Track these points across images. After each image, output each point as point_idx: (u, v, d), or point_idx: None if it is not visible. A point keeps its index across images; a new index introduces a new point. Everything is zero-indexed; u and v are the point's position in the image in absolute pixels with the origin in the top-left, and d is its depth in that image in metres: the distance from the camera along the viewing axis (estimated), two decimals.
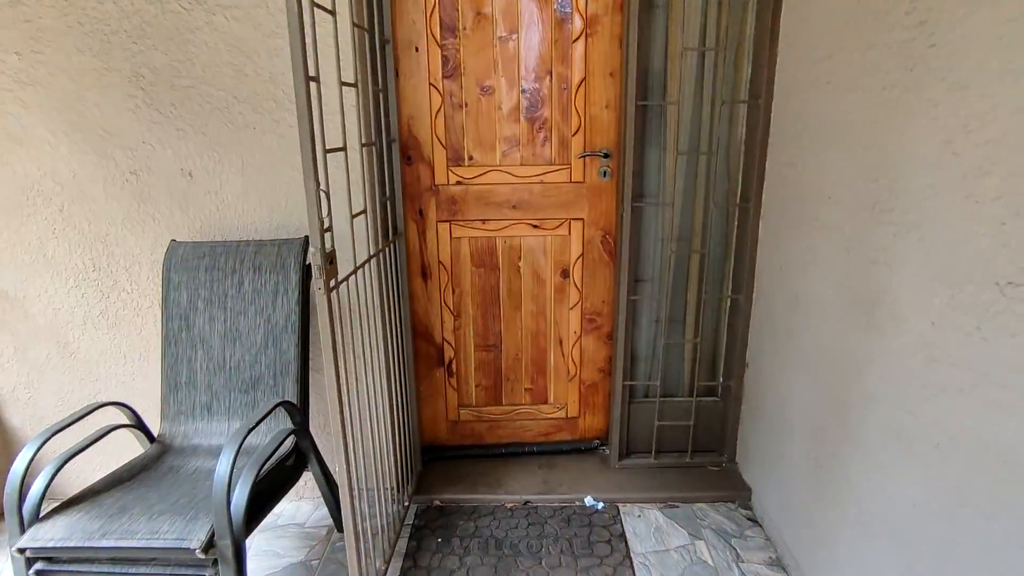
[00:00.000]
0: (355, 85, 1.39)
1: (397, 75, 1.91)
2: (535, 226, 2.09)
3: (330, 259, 1.21)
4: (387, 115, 1.85)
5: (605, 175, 2.05)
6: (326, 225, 1.20)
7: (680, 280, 2.10)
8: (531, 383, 2.27)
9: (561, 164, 2.05)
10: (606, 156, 2.01)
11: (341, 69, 1.37)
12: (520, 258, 2.13)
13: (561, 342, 2.23)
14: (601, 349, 2.24)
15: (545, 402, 2.30)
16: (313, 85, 1.14)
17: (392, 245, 1.87)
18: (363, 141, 1.53)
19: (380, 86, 1.71)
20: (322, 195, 1.13)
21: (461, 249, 2.10)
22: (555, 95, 1.98)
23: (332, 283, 1.24)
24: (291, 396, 1.63)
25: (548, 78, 1.97)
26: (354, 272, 1.42)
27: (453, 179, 2.02)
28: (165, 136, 1.75)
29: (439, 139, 1.98)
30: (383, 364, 1.81)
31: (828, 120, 1.45)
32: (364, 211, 1.49)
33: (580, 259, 2.14)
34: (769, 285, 1.83)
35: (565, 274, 2.16)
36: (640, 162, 1.96)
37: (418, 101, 1.94)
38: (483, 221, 2.07)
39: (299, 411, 1.60)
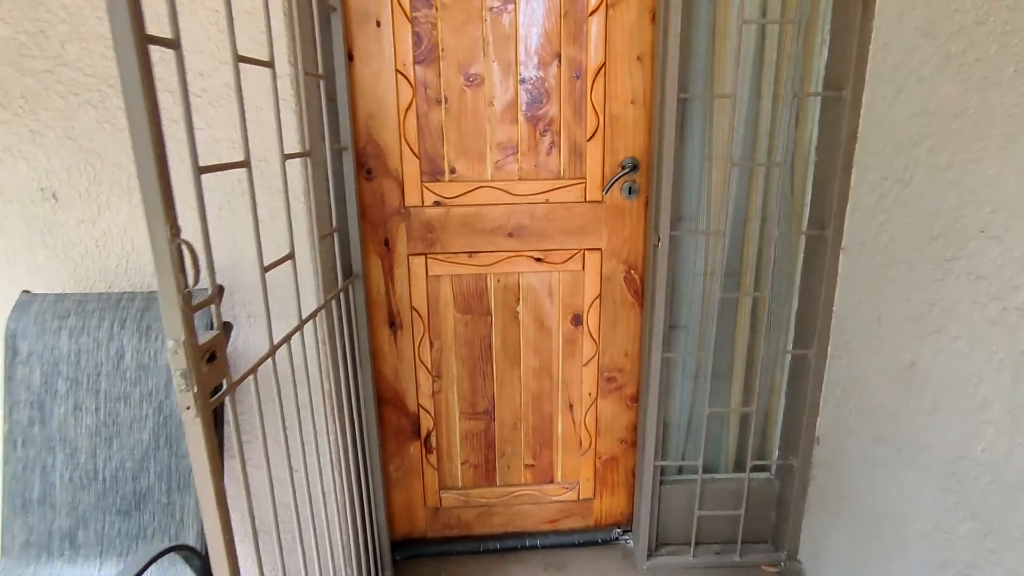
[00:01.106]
0: (269, 65, 0.88)
1: (351, 58, 1.41)
2: (538, 259, 1.60)
3: (209, 355, 0.70)
4: (334, 113, 1.35)
5: (631, 192, 1.57)
6: (198, 295, 0.69)
7: (727, 328, 1.62)
8: (533, 458, 1.77)
9: (572, 178, 1.56)
10: (632, 169, 1.53)
11: (257, 46, 0.86)
12: (519, 301, 1.63)
13: (572, 406, 1.73)
14: (622, 414, 1.75)
15: (551, 481, 1.80)
16: (160, 54, 0.63)
17: (343, 293, 1.36)
18: (287, 151, 1.02)
19: (322, 71, 1.21)
20: (183, 249, 0.62)
21: (441, 290, 1.60)
22: (565, 86, 1.49)
23: (216, 390, 0.73)
24: (190, 527, 1.11)
25: (555, 63, 1.48)
26: (267, 357, 0.91)
27: (429, 199, 1.52)
28: (14, 141, 1.22)
29: (410, 146, 1.48)
30: (335, 445, 1.30)
31: (979, 118, 0.98)
32: (291, 254, 0.98)
33: (597, 301, 1.65)
34: (857, 342, 1.35)
35: (577, 320, 1.67)
36: (679, 176, 1.47)
37: (380, 94, 1.44)
38: (470, 254, 1.57)
39: (201, 558, 1.08)
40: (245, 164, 0.79)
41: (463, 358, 1.66)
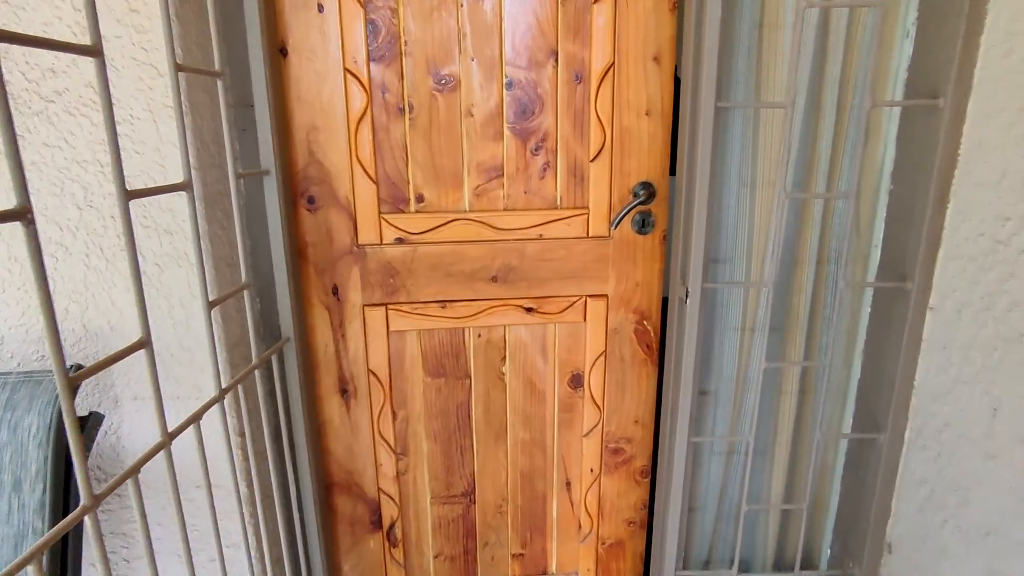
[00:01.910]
0: (93, 52, 0.55)
1: (284, 53, 1.08)
2: (529, 309, 1.27)
3: None
4: (254, 125, 1.02)
5: (644, 226, 1.23)
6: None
7: (770, 398, 1.28)
8: (522, 547, 1.43)
9: (572, 208, 1.23)
10: (648, 197, 1.19)
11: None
12: (505, 360, 1.30)
13: (569, 484, 1.40)
14: (630, 491, 1.41)
15: (544, 573, 1.46)
16: None
17: (269, 363, 1.03)
18: (167, 179, 0.69)
19: (220, 68, 0.88)
20: None
21: (407, 349, 1.27)
22: (562, 92, 1.17)
23: None
24: None
25: (551, 63, 1.15)
26: (150, 457, 0.58)
27: (391, 235, 1.19)
28: None
29: (364, 167, 1.15)
30: (261, 553, 0.97)
31: None
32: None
33: (601, 358, 1.31)
34: (956, 433, 1.01)
35: (577, 382, 1.33)
36: (714, 209, 1.14)
37: (325, 101, 1.11)
38: (443, 304, 1.24)
39: None
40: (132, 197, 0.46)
41: (435, 431, 1.32)
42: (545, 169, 1.20)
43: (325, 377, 1.24)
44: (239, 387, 0.91)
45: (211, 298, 0.77)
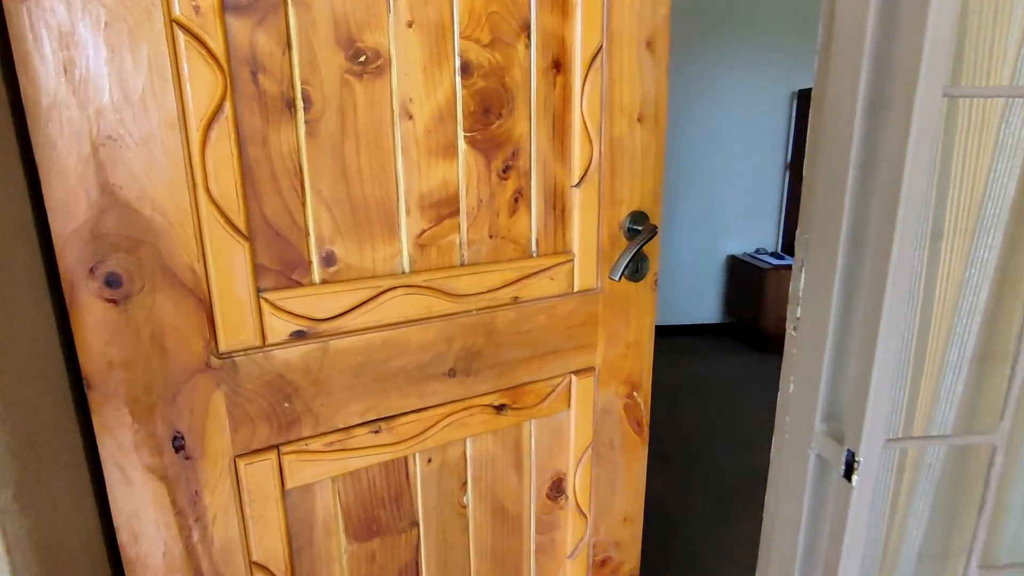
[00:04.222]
0: None
1: None
2: (500, 407, 0.85)
3: None
4: None
5: (638, 270, 0.91)
6: None
7: None
8: None
9: (553, 254, 0.85)
10: (650, 234, 0.87)
11: None
12: (466, 486, 0.86)
13: None
14: None
15: None
16: None
17: None
18: None
19: None
20: None
21: (317, 510, 0.75)
22: (539, 86, 0.78)
23: None
24: None
25: (522, 41, 0.75)
26: None
27: (282, 327, 0.67)
28: None
29: (222, 209, 0.61)
30: None
31: None
32: None
33: (588, 452, 0.96)
34: None
35: (558, 489, 0.96)
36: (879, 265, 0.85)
37: (130, 84, 0.55)
38: (375, 427, 0.75)
39: None
40: None
41: None
42: (517, 199, 0.80)
43: None
44: None
45: None
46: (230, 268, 0.62)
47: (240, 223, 0.62)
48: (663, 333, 3.88)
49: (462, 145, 0.74)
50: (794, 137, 3.69)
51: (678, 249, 3.86)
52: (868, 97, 0.67)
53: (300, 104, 0.63)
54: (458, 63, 0.71)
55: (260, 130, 0.62)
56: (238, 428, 0.66)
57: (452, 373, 0.79)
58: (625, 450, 1.00)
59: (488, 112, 0.75)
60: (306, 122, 0.64)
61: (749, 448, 2.46)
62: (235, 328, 0.64)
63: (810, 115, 0.77)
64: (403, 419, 0.77)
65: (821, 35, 0.74)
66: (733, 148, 3.71)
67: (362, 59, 0.65)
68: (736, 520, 1.99)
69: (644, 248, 0.90)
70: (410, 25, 0.67)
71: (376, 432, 0.75)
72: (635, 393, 0.99)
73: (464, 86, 0.72)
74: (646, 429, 1.02)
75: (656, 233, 0.87)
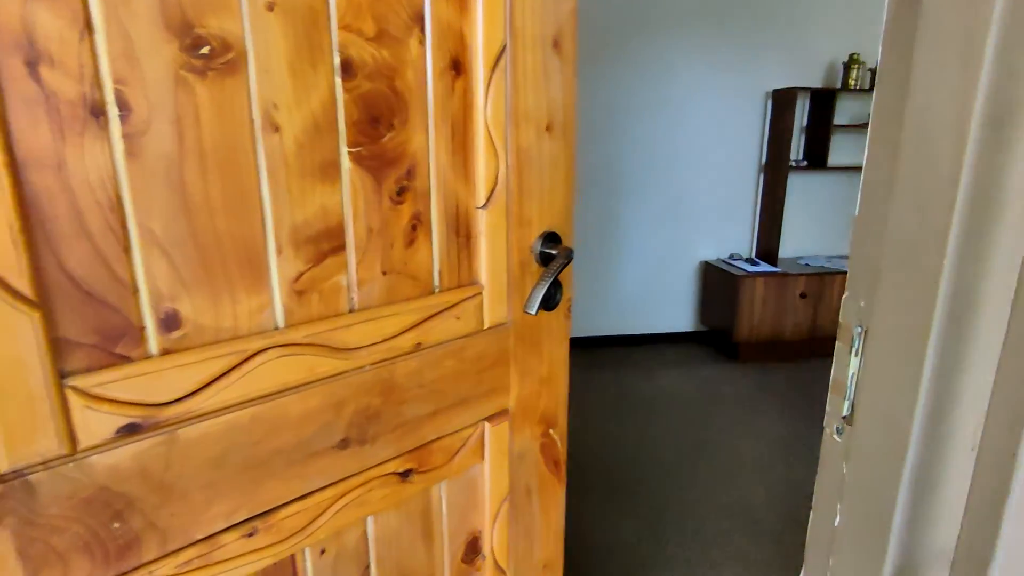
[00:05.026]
0: None
1: None
2: (406, 473, 0.71)
3: None
4: None
5: (552, 298, 0.82)
6: None
7: None
8: None
9: (458, 287, 0.73)
10: (566, 258, 0.78)
11: None
12: (369, 572, 0.71)
13: None
14: None
15: None
16: None
17: None
18: None
19: None
20: None
21: None
22: (437, 91, 0.65)
23: None
24: None
25: (415, 35, 0.62)
26: None
27: (102, 425, 0.47)
28: None
29: None
30: None
31: None
32: None
33: (505, 504, 0.85)
34: None
35: (474, 549, 0.84)
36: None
37: None
38: (249, 531, 0.58)
39: None
40: None
41: None
42: (415, 227, 0.67)
43: None
44: None
45: None
46: (11, 350, 0.42)
47: (22, 284, 0.42)
48: (635, 343, 3.70)
49: (346, 163, 0.59)
50: (769, 138, 3.52)
51: (650, 254, 3.61)
52: (988, 106, 0.46)
53: (113, 111, 0.45)
54: (337, 60, 0.56)
55: (51, 149, 0.43)
56: (39, 573, 0.46)
57: (344, 444, 0.64)
58: (543, 494, 0.91)
59: (377, 122, 0.61)
60: (124, 136, 0.46)
61: (724, 476, 2.25)
62: (24, 435, 0.44)
63: (870, 131, 0.57)
64: (285, 511, 0.60)
65: (890, 5, 0.53)
66: (706, 149, 3.49)
67: (205, 51, 0.48)
68: (719, 566, 1.79)
69: (558, 273, 0.80)
70: (271, 8, 0.51)
71: (250, 535, 0.58)
72: (551, 431, 0.90)
73: (346, 89, 0.57)
74: (563, 468, 0.94)
75: (572, 257, 0.78)
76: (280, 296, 0.57)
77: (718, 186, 3.57)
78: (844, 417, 0.60)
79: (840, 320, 0.60)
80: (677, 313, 3.77)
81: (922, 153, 0.52)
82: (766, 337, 3.38)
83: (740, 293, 3.29)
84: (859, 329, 0.58)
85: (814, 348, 3.43)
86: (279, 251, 0.56)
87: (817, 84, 3.49)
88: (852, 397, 0.59)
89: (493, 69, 0.69)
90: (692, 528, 1.97)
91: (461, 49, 0.66)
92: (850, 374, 0.59)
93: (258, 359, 0.55)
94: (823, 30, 3.40)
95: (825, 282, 3.36)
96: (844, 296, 0.62)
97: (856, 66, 3.32)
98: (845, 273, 3.62)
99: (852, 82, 3.33)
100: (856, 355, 0.59)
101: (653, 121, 3.40)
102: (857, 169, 3.50)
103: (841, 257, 3.72)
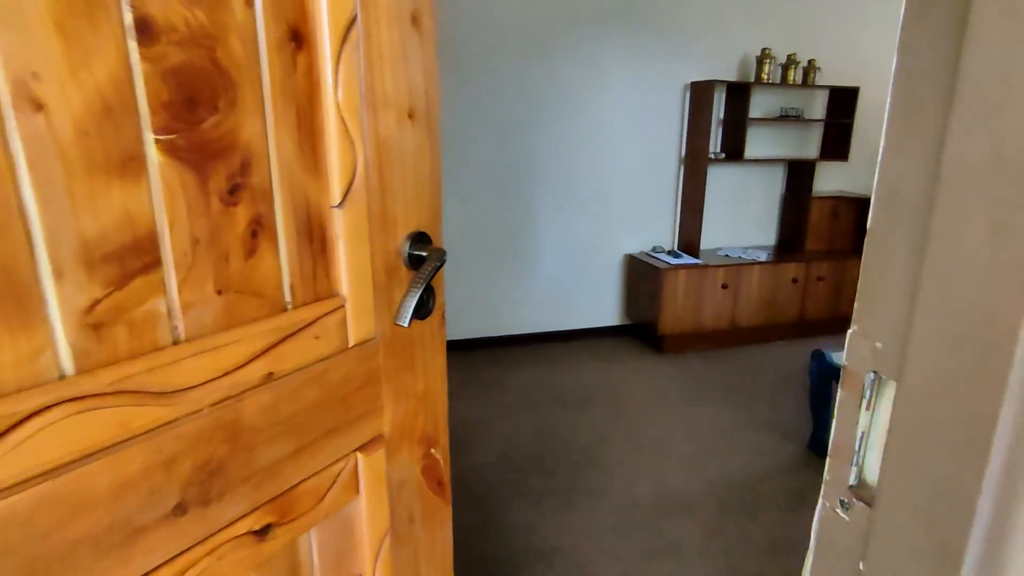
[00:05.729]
0: None
1: None
2: (263, 530, 0.59)
3: None
4: None
5: (424, 305, 0.74)
6: None
7: None
8: None
9: (316, 300, 0.62)
10: (439, 260, 0.70)
11: None
12: None
13: None
14: None
15: None
16: None
17: None
18: None
19: None
20: None
21: None
22: (274, 66, 0.53)
23: None
24: None
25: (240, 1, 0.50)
26: None
27: None
28: None
29: None
30: None
31: None
32: None
33: (387, 539, 0.76)
34: None
35: None
36: None
37: None
38: None
39: None
40: None
41: None
42: (255, 233, 0.55)
43: None
44: None
45: None
46: None
47: None
48: (561, 339, 3.62)
49: (153, 155, 0.46)
50: (688, 130, 3.54)
51: (574, 249, 3.54)
52: None
53: None
54: (129, 17, 0.43)
55: None
56: None
57: (181, 509, 0.51)
58: (427, 519, 0.83)
59: (195, 104, 0.48)
60: None
61: (655, 467, 2.27)
62: None
63: (884, 133, 0.48)
64: None
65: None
66: (628, 142, 3.46)
67: None
68: (653, 557, 1.79)
69: (431, 280, 0.72)
70: None
71: None
72: (432, 450, 0.82)
73: (146, 58, 0.44)
74: (448, 487, 0.86)
75: (444, 259, 0.70)
76: (65, 334, 0.42)
77: (640, 178, 3.57)
78: (851, 487, 0.48)
79: (845, 363, 0.50)
80: (602, 308, 3.72)
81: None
82: (689, 329, 3.43)
83: (663, 285, 3.29)
84: (871, 376, 0.47)
85: (735, 338, 3.56)
86: (58, 275, 0.41)
87: (732, 77, 3.55)
88: (860, 462, 0.48)
89: (343, 43, 0.58)
90: (626, 521, 1.96)
91: (301, 16, 0.55)
92: (859, 433, 0.48)
93: (35, 422, 0.41)
94: (738, 24, 3.47)
95: (743, 272, 3.44)
96: (850, 332, 0.49)
97: (768, 60, 3.38)
98: (762, 263, 3.46)
99: (765, 76, 3.39)
100: (868, 409, 0.47)
101: (575, 114, 3.35)
102: (770, 161, 3.65)
103: (757, 248, 3.87)
